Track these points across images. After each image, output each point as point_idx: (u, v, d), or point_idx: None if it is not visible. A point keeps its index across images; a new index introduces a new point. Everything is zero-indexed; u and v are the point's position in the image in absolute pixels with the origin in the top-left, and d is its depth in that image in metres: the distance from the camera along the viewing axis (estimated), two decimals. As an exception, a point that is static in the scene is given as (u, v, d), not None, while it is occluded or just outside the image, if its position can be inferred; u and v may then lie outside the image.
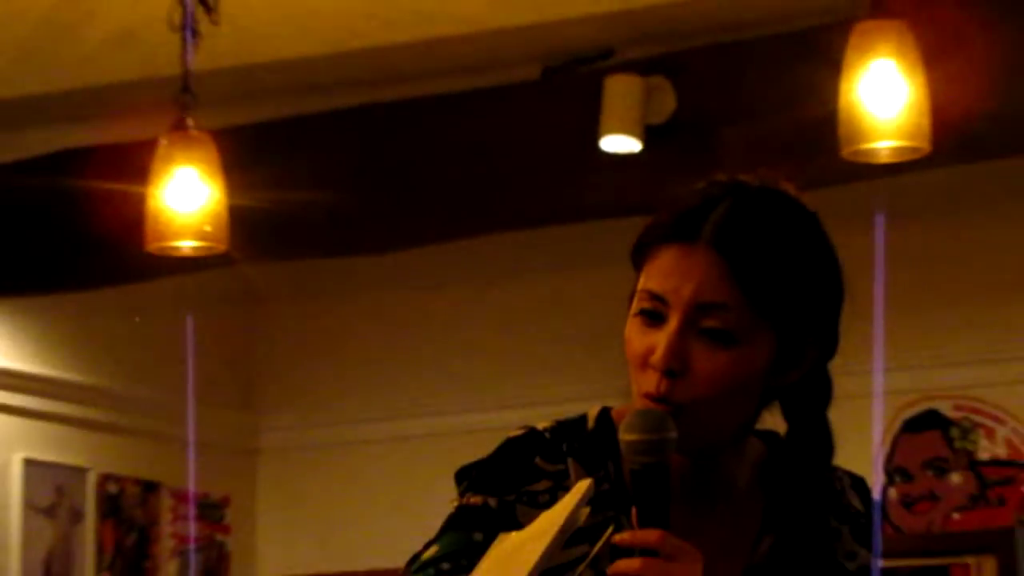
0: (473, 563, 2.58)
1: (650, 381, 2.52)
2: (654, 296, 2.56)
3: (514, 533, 2.46)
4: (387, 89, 7.23)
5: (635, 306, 2.58)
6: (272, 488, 10.48)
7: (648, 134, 6.90)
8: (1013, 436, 8.46)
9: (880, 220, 6.86)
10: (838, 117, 5.38)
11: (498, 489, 2.80)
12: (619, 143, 6.93)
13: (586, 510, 2.30)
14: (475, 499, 2.80)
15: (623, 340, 2.61)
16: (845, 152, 5.49)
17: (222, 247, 6.18)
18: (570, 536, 2.29)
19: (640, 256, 2.62)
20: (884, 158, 5.60)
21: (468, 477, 2.82)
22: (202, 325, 9.78)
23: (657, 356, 2.51)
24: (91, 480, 9.41)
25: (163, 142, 6.01)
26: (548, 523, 2.30)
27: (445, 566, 2.73)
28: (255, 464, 10.54)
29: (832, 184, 6.42)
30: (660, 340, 2.51)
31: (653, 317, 2.54)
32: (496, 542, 2.46)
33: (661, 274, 2.61)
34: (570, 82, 7.14)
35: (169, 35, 5.89)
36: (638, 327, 2.56)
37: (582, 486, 2.33)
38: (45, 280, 8.01)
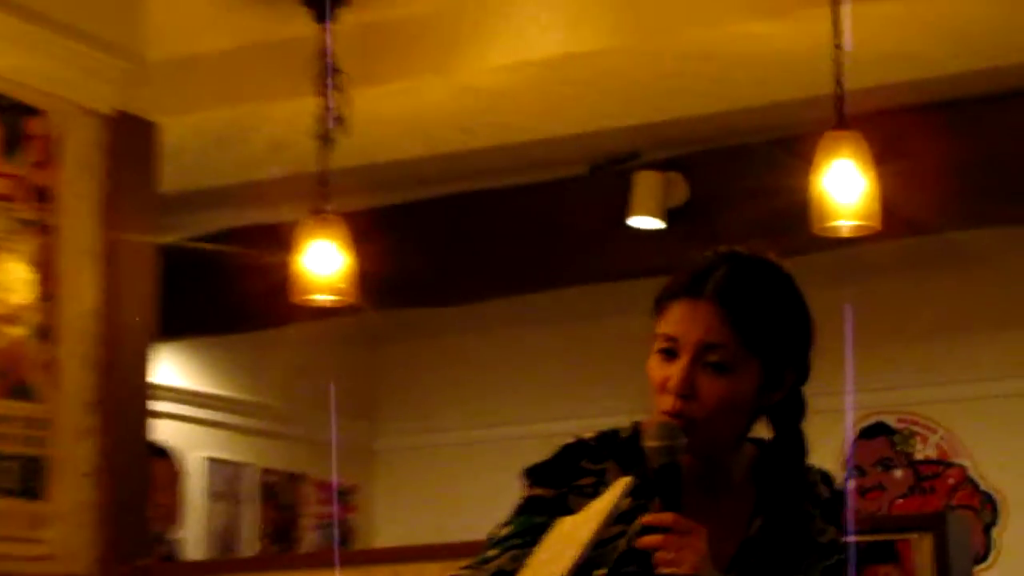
0: (536, 540, 2.65)
1: (667, 402, 2.66)
2: (669, 338, 2.71)
3: (568, 517, 2.52)
4: (472, 181, 7.31)
5: (655, 345, 2.71)
6: (388, 478, 10.52)
7: (667, 216, 7.03)
8: (942, 442, 8.54)
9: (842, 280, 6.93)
10: (811, 203, 5.49)
11: (554, 483, 2.90)
12: (644, 222, 7.04)
13: (626, 500, 2.40)
14: (537, 491, 2.91)
15: (646, 371, 2.74)
16: (816, 229, 5.58)
17: (351, 300, 6.32)
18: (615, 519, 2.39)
19: (659, 307, 2.76)
20: (845, 233, 5.63)
21: (532, 474, 2.93)
22: (338, 356, 9.94)
23: (672, 383, 2.65)
24: (254, 473, 9.56)
25: (306, 223, 6.13)
26: (595, 510, 2.35)
27: (516, 541, 2.82)
28: (375, 460, 10.59)
29: (806, 253, 6.52)
30: (674, 371, 2.66)
31: (669, 354, 2.68)
32: (555, 525, 2.54)
33: (675, 321, 2.74)
34: (608, 176, 7.21)
35: (311, 142, 6.01)
36: (658, 361, 2.70)
37: (622, 482, 2.44)
38: (221, 324, 8.03)
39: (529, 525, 2.86)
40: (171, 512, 6.31)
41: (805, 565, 2.84)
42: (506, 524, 2.93)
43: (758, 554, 2.83)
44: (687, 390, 2.69)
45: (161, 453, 6.19)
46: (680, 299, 2.74)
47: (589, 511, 2.39)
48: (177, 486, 6.34)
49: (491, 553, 2.91)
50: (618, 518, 2.45)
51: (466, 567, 2.98)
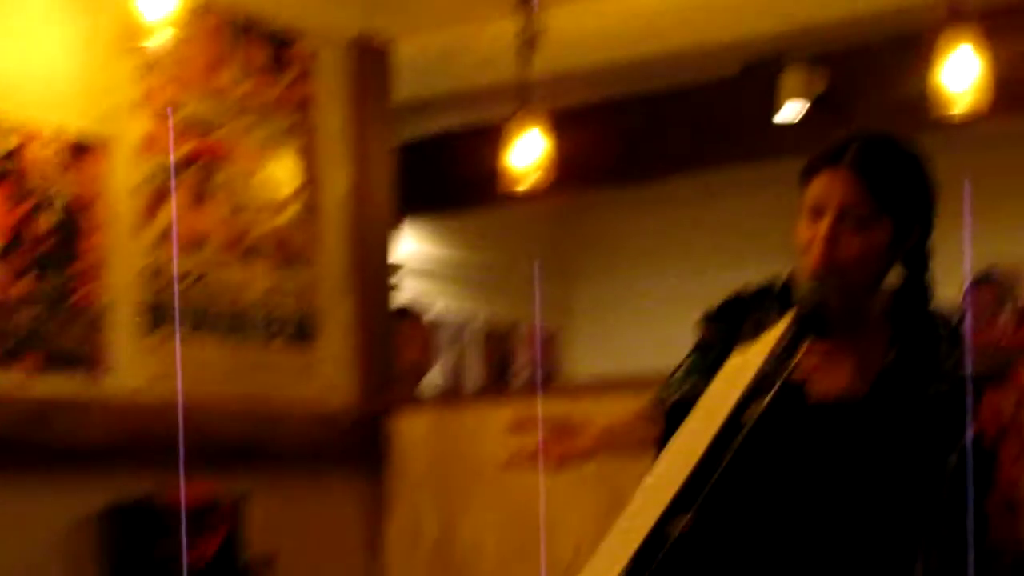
0: (710, 375, 2.65)
1: (814, 256, 2.72)
2: (814, 204, 2.74)
3: (738, 353, 2.50)
4: (647, 83, 7.32)
5: (803, 211, 2.75)
6: (584, 327, 10.59)
7: (810, 106, 7.02)
8: None
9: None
10: (932, 90, 5.49)
11: (722, 326, 3.00)
12: (790, 111, 7.06)
13: (787, 337, 2.36)
14: (708, 333, 3.01)
15: (796, 234, 2.77)
16: (938, 113, 5.61)
17: (551, 182, 6.39)
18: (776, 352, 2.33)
19: (805, 179, 2.79)
20: (962, 116, 5.65)
21: (705, 319, 3.03)
22: (545, 228, 10.06)
23: (818, 240, 2.69)
24: (477, 324, 9.70)
25: (514, 121, 6.18)
26: (761, 345, 2.31)
27: (693, 378, 2.87)
28: (573, 312, 10.66)
29: (931, 132, 6.49)
30: (820, 230, 2.70)
31: (816, 215, 2.73)
32: (728, 359, 2.49)
33: (818, 189, 2.77)
34: (760, 73, 7.20)
35: (515, 55, 6.05)
36: (805, 224, 2.72)
37: (784, 321, 2.43)
38: (448, 203, 8.10)
39: (700, 363, 2.95)
40: (421, 363, 6.43)
41: (932, 388, 2.83)
42: (683, 362, 3.02)
43: (893, 380, 2.84)
44: (831, 246, 2.73)
45: (405, 313, 6.29)
46: (822, 171, 2.77)
47: (756, 346, 2.38)
48: (424, 339, 6.46)
49: (672, 384, 3.02)
50: (782, 352, 2.41)
51: (653, 397, 3.08)
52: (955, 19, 5.44)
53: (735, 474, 1.72)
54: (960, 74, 5.48)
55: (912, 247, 2.88)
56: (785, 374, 2.49)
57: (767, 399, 1.84)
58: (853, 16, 6.68)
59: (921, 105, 5.77)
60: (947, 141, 7.36)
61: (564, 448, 3.06)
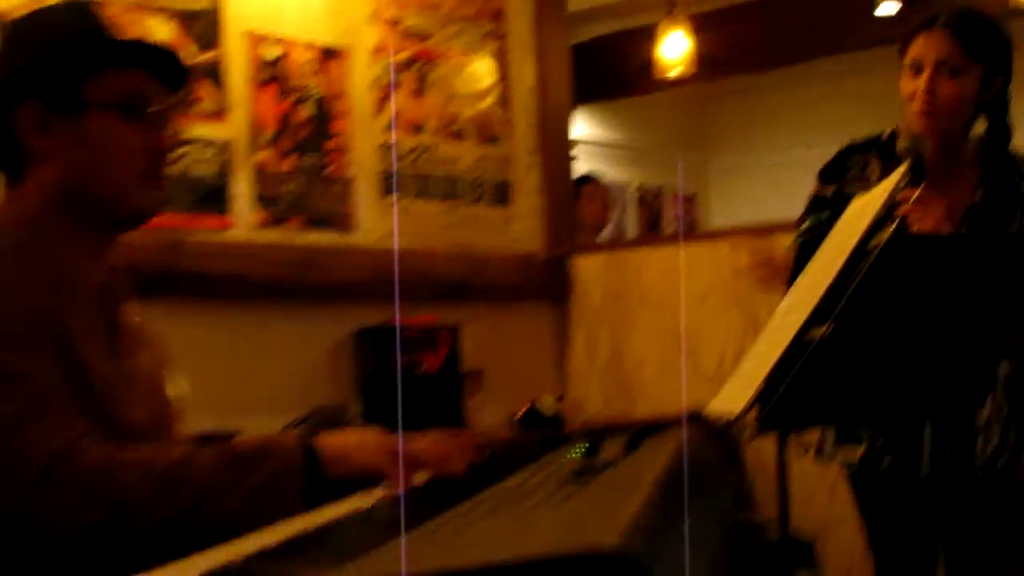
0: (829, 220, 2.77)
1: (917, 105, 2.71)
2: (915, 61, 2.73)
3: (858, 198, 2.36)
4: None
5: (904, 70, 2.75)
6: (719, 190, 10.51)
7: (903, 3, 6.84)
8: None
9: None
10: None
11: (832, 178, 3.00)
12: (888, 8, 6.87)
13: (903, 183, 2.19)
14: (823, 189, 2.99)
15: (900, 90, 2.79)
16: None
17: (693, 72, 6.34)
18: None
19: (905, 44, 2.78)
20: None
21: (820, 174, 2.99)
22: (687, 111, 9.95)
23: (920, 90, 2.69)
24: (634, 188, 9.69)
25: (663, 22, 6.15)
26: (880, 189, 2.17)
27: (813, 222, 2.92)
28: (709, 177, 10.60)
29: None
30: (920, 82, 2.70)
31: (916, 71, 2.71)
32: (851, 203, 2.37)
33: (918, 49, 2.76)
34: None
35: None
36: (908, 80, 2.73)
37: (899, 171, 2.27)
38: (611, 92, 8.06)
39: (816, 221, 2.94)
40: (599, 219, 6.42)
41: (1018, 219, 2.81)
42: (801, 221, 3.01)
43: (983, 213, 2.82)
44: (930, 95, 2.71)
45: (588, 180, 6.28)
46: (920, 33, 2.75)
47: (875, 191, 2.27)
48: (602, 200, 6.45)
49: (799, 231, 2.99)
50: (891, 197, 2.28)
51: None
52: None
53: (865, 291, 1.68)
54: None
55: (995, 95, 2.82)
56: (898, 211, 2.48)
57: (891, 229, 1.73)
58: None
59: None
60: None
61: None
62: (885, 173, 2.99)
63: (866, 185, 2.99)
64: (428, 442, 1.72)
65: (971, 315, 2.27)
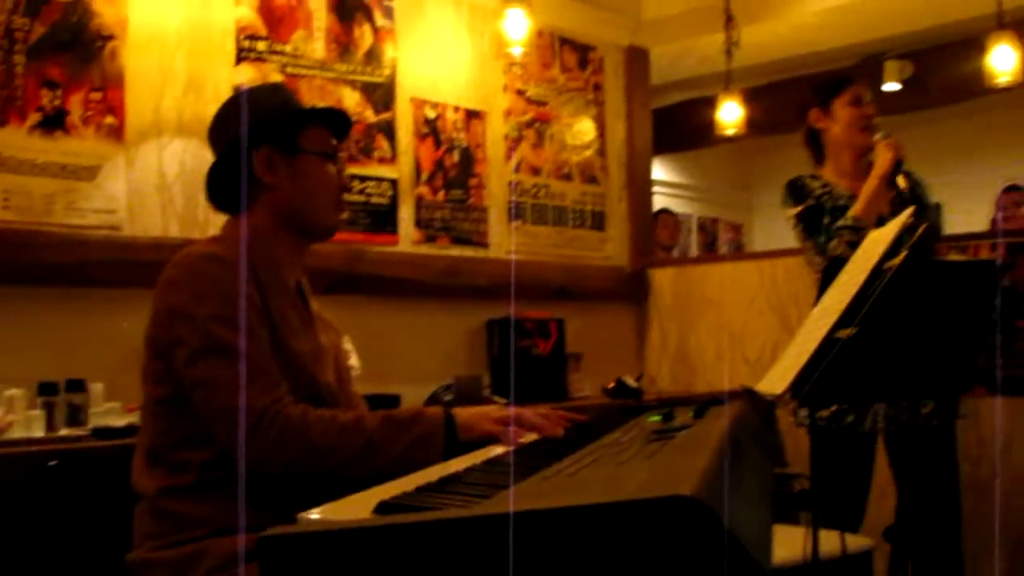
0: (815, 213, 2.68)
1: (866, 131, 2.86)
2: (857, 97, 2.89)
3: (874, 233, 2.06)
4: (802, 71, 7.06)
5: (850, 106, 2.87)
6: (760, 221, 10.36)
7: (901, 83, 6.65)
8: None
9: None
10: (985, 69, 5.10)
11: (803, 198, 2.94)
12: (890, 87, 6.68)
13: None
14: (805, 204, 2.91)
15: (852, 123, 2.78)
16: (983, 89, 5.26)
17: (744, 131, 6.23)
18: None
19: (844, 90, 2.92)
20: (1001, 85, 5.19)
21: (794, 201, 2.97)
22: (737, 160, 9.80)
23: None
24: (695, 220, 9.57)
25: (720, 97, 6.05)
26: (891, 226, 1.87)
27: (822, 240, 2.85)
28: (753, 211, 10.45)
29: (978, 100, 6.11)
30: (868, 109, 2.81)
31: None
32: (869, 235, 2.11)
33: (859, 88, 2.94)
34: (871, 63, 6.88)
35: (720, 56, 5.91)
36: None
37: (905, 213, 2.14)
38: (680, 146, 8.01)
39: (819, 227, 2.87)
40: (672, 242, 6.37)
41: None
42: (809, 229, 2.89)
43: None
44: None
45: (664, 211, 6.23)
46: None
47: (887, 228, 1.98)
48: (673, 228, 6.40)
49: (826, 248, 2.87)
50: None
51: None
52: (999, 26, 5.05)
53: (882, 302, 1.62)
54: (1002, 61, 5.08)
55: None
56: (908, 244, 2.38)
57: (900, 258, 1.65)
58: (930, 26, 6.35)
59: (975, 83, 5.35)
60: (988, 104, 6.93)
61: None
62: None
63: (832, 195, 2.89)
64: (533, 413, 1.73)
65: (956, 324, 2.23)
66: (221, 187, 1.88)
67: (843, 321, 1.56)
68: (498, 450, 1.55)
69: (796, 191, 2.91)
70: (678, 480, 0.84)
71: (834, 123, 2.96)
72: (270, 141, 1.85)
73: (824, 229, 2.81)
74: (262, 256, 1.80)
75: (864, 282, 1.54)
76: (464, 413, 1.71)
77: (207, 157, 3.29)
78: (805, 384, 1.48)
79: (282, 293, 1.81)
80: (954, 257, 3.35)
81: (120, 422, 2.76)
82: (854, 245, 2.22)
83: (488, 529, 0.74)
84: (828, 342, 1.50)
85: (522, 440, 1.65)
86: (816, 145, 3.05)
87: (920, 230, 2.27)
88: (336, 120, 1.95)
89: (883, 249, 1.60)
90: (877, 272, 1.58)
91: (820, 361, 1.52)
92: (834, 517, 2.58)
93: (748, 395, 1.67)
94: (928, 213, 2.91)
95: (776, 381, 1.56)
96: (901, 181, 2.74)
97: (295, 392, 1.69)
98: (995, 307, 2.64)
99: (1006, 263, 3.52)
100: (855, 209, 2.77)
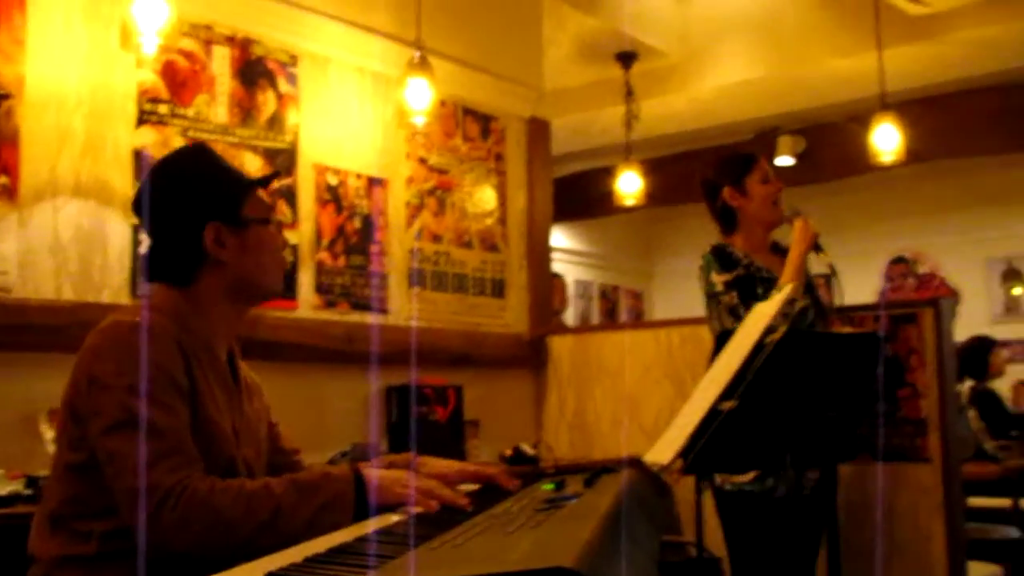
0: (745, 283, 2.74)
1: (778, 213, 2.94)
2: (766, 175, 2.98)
3: (759, 306, 2.21)
4: (696, 143, 7.26)
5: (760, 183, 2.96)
6: (660, 288, 10.54)
7: (795, 157, 6.89)
8: (932, 265, 8.25)
9: None
10: (870, 147, 5.38)
11: (733, 266, 2.97)
12: (783, 160, 6.92)
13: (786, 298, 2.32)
14: (735, 271, 2.94)
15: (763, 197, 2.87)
16: (870, 165, 5.49)
17: (642, 201, 6.37)
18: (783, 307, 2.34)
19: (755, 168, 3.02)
20: (885, 163, 5.48)
21: (722, 268, 2.98)
22: (636, 228, 9.97)
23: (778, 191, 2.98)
24: (597, 287, 9.68)
25: (619, 167, 6.19)
26: (774, 301, 2.04)
27: (727, 316, 2.91)
28: (653, 279, 10.60)
29: (863, 174, 6.36)
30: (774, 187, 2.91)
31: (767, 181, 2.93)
32: (753, 308, 2.23)
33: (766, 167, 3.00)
34: (765, 138, 7.11)
35: (621, 128, 6.05)
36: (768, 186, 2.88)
37: (787, 288, 2.24)
38: (578, 214, 8.13)
39: (738, 276, 2.95)
40: (562, 305, 6.42)
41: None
42: (735, 289, 2.96)
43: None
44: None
45: (556, 276, 6.28)
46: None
47: (770, 302, 2.15)
48: (565, 292, 6.46)
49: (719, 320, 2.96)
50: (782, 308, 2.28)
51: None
52: (882, 107, 5.31)
53: (762, 375, 1.68)
54: (885, 140, 5.33)
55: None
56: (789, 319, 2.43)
57: (780, 333, 1.69)
58: (820, 105, 6.61)
59: (863, 159, 5.62)
60: (875, 180, 7.22)
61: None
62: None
63: (754, 265, 2.99)
64: (439, 489, 1.65)
65: (840, 393, 2.30)
66: (159, 261, 1.84)
67: (728, 393, 1.61)
68: (395, 518, 1.53)
69: (725, 258, 2.96)
70: (560, 551, 0.87)
71: (748, 200, 3.04)
72: (215, 217, 1.82)
73: (759, 297, 2.85)
74: (195, 329, 1.78)
75: (747, 356, 1.59)
76: (374, 475, 1.66)
77: (105, 219, 3.23)
78: (690, 454, 1.53)
79: (210, 368, 1.78)
80: (840, 329, 3.45)
81: (2, 491, 2.67)
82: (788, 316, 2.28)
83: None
84: (712, 414, 1.54)
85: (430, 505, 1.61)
86: (728, 218, 3.12)
87: (798, 305, 2.34)
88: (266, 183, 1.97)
89: (765, 324, 1.67)
90: (759, 346, 1.64)
91: (705, 431, 1.57)
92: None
93: (638, 464, 1.71)
94: (815, 292, 3.02)
95: (663, 450, 1.60)
96: (823, 256, 2.85)
97: (212, 471, 1.65)
98: (877, 377, 2.73)
99: (888, 334, 3.64)
100: (790, 278, 2.83)
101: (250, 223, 1.84)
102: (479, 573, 0.80)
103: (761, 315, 1.79)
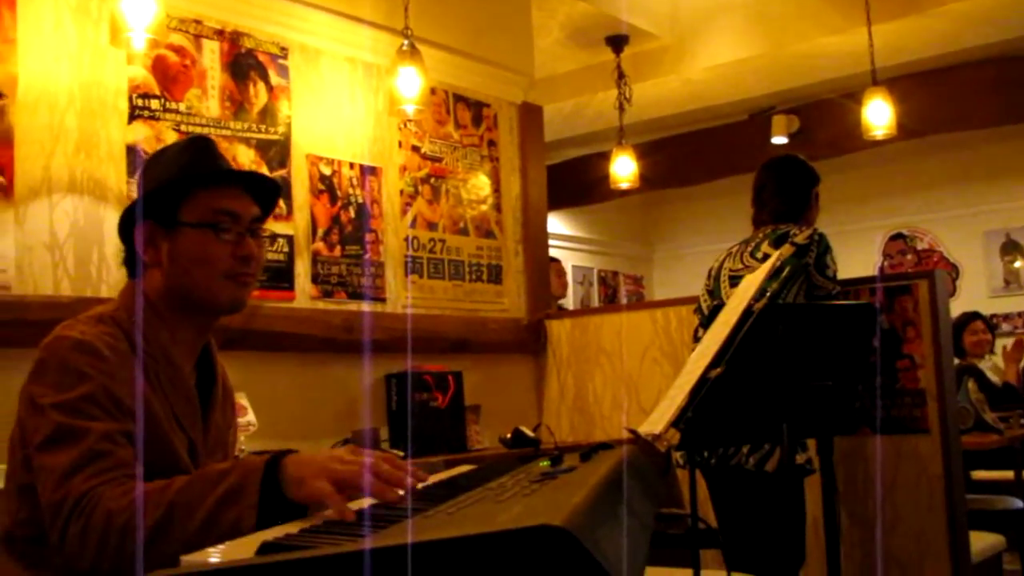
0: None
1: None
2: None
3: (748, 275, 2.26)
4: (693, 125, 7.26)
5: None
6: (659, 273, 10.55)
7: (788, 137, 6.91)
8: (931, 240, 8.24)
9: None
10: (864, 123, 5.40)
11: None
12: (778, 140, 6.94)
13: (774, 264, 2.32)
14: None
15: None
16: (863, 142, 5.51)
17: (638, 185, 6.37)
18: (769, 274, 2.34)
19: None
20: (880, 137, 5.47)
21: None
22: (634, 212, 9.97)
23: None
24: (596, 272, 9.70)
25: (615, 150, 6.20)
26: (761, 270, 2.01)
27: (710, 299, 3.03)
28: (652, 263, 10.62)
29: (853, 151, 6.36)
30: None
31: None
32: (743, 279, 2.23)
33: None
34: (759, 119, 7.12)
35: (614, 112, 6.06)
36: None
37: (774, 255, 2.18)
38: (575, 200, 8.14)
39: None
40: (562, 289, 6.44)
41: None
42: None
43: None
44: None
45: (555, 260, 6.30)
46: None
47: (758, 272, 2.11)
48: (564, 277, 6.47)
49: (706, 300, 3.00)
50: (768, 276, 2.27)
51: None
52: (873, 83, 5.32)
53: (749, 340, 1.69)
54: (877, 116, 5.33)
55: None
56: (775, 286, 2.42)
57: (765, 299, 1.70)
58: (813, 83, 6.61)
59: (857, 136, 5.63)
60: (871, 157, 7.23)
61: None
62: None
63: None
64: (387, 466, 1.38)
65: (836, 364, 2.31)
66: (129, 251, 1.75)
67: (716, 361, 1.63)
68: (328, 513, 1.27)
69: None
70: (549, 512, 0.88)
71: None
72: (151, 215, 1.70)
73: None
74: (153, 335, 1.66)
75: (735, 324, 1.60)
76: (297, 461, 1.37)
77: (101, 215, 3.26)
78: (681, 423, 1.55)
79: (168, 380, 1.65)
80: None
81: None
82: None
83: (359, 564, 0.76)
84: (701, 382, 1.56)
85: (352, 507, 1.27)
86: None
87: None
88: (247, 180, 1.79)
89: (753, 291, 1.69)
90: (748, 313, 1.65)
91: (695, 400, 1.58)
92: (739, 558, 2.66)
93: (635, 438, 1.72)
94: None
95: (656, 421, 1.62)
96: None
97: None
98: (874, 348, 2.74)
99: (884, 306, 3.66)
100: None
101: (183, 227, 1.68)
102: (468, 533, 0.81)
103: (750, 283, 1.80)
